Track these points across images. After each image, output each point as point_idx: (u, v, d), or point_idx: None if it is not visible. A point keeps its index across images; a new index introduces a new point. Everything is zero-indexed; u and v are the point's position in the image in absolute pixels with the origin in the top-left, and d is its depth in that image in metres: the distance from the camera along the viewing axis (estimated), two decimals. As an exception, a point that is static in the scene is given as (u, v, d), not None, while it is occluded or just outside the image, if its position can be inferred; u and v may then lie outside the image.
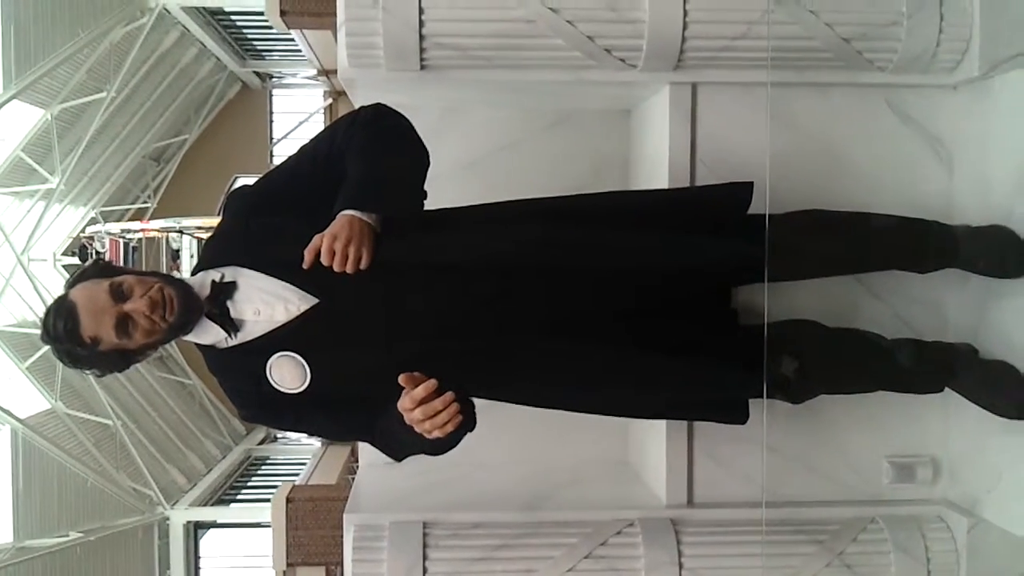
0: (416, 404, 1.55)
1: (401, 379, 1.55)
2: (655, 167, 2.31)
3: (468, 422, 1.61)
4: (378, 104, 1.82)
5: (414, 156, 1.82)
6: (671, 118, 2.21)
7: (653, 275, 1.83)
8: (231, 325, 1.73)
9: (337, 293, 1.70)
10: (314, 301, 1.71)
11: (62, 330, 1.65)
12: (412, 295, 1.73)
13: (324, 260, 1.63)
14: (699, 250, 1.86)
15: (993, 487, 2.12)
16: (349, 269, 1.64)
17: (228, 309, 1.72)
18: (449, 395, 1.54)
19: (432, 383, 1.54)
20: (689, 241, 1.86)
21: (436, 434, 1.58)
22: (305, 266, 1.65)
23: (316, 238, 1.65)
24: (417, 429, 1.59)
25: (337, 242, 1.63)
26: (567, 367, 1.84)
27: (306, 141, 1.87)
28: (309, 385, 1.75)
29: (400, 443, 1.76)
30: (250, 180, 1.93)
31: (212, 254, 1.80)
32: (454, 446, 1.69)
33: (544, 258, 1.78)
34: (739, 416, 2.01)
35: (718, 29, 2.10)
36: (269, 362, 1.74)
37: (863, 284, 2.21)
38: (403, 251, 1.72)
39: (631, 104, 2.52)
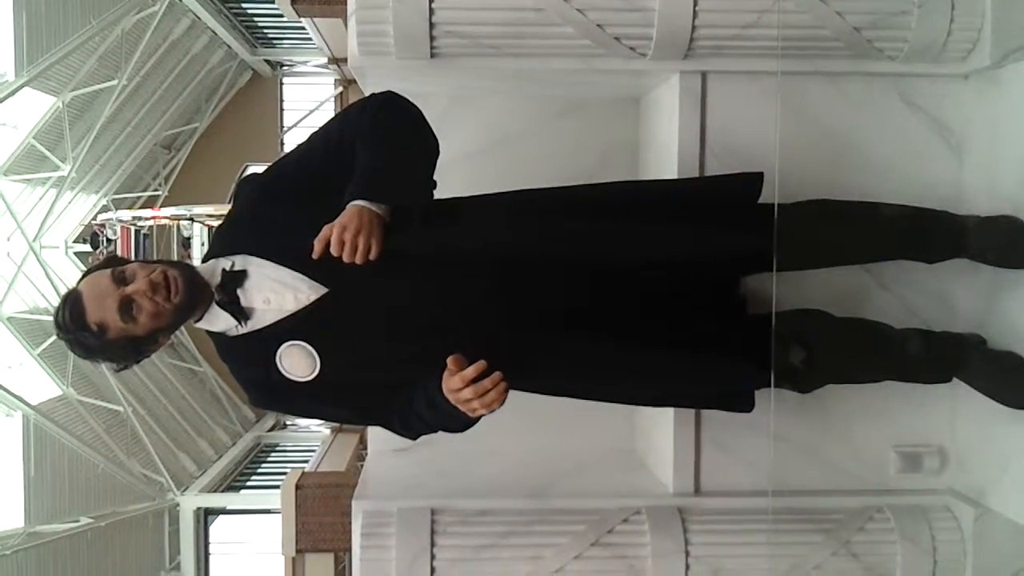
0: (466, 383, 1.59)
1: (450, 360, 1.60)
2: (664, 156, 2.31)
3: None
4: (388, 92, 1.82)
5: (424, 145, 1.82)
6: (681, 107, 2.20)
7: (661, 265, 1.83)
8: (241, 313, 1.74)
9: (346, 283, 1.71)
10: (324, 291, 1.72)
11: (69, 318, 1.67)
12: (421, 285, 1.73)
13: (333, 250, 1.63)
14: (708, 240, 1.85)
15: (1000, 477, 2.12)
16: (358, 260, 1.64)
17: (239, 297, 1.73)
18: (497, 374, 1.60)
19: (482, 364, 1.60)
20: (698, 231, 1.85)
21: (481, 412, 1.64)
22: (315, 256, 1.65)
23: (326, 228, 1.65)
24: (462, 408, 1.63)
25: (346, 233, 1.63)
26: (574, 358, 1.85)
27: (316, 129, 1.88)
28: (319, 374, 1.76)
29: (424, 423, 1.79)
30: (260, 168, 1.93)
31: (223, 242, 1.80)
32: (476, 422, 1.73)
33: (551, 249, 1.78)
34: (745, 405, 2.02)
35: (728, 18, 2.09)
36: (279, 351, 1.75)
37: (872, 274, 2.20)
38: (412, 241, 1.73)
39: (640, 93, 2.51)
